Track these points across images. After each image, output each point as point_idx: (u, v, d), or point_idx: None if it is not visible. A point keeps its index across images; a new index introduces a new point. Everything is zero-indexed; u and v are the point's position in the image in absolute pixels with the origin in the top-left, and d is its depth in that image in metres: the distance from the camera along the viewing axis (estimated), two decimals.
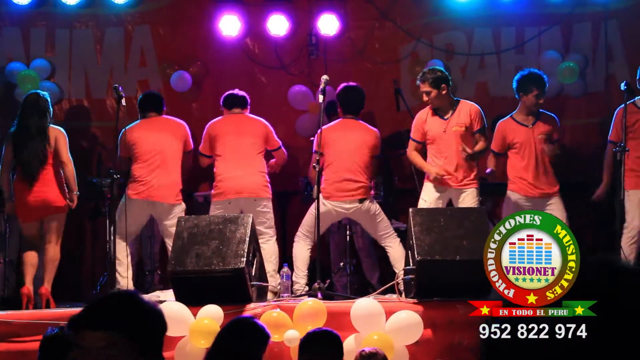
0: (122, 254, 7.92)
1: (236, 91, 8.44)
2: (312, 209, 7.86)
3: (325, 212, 7.75)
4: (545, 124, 7.77)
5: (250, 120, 8.30)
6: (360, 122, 8.15)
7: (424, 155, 7.84)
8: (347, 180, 7.89)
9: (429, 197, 7.66)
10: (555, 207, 7.64)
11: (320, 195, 7.70)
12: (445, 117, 7.67)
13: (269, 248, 7.88)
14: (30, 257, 7.75)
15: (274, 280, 7.65)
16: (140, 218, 8.13)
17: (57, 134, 7.74)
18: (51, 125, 7.77)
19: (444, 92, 7.61)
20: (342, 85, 8.20)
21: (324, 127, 7.70)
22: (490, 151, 7.92)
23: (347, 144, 7.95)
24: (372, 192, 8.14)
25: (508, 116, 7.90)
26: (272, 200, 8.25)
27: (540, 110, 7.82)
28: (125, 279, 7.87)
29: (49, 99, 7.82)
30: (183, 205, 8.18)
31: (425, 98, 7.67)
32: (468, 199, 7.59)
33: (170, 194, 8.09)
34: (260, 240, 7.52)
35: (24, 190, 7.67)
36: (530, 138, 7.72)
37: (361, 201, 7.89)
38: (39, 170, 7.63)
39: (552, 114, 7.92)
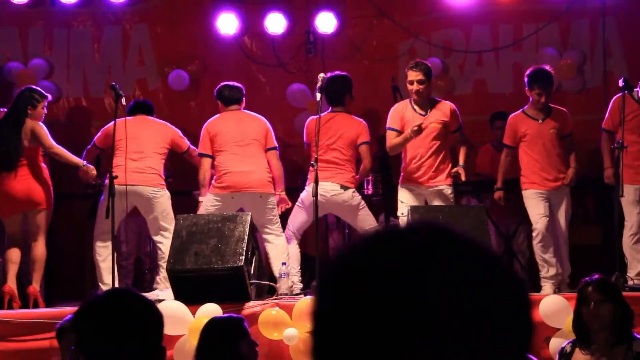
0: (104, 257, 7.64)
1: (231, 83, 8.13)
2: (297, 204, 7.84)
3: (308, 197, 7.53)
4: (557, 119, 7.73)
5: (250, 117, 8.10)
6: (343, 115, 7.96)
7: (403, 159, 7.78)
8: (326, 164, 7.70)
9: (405, 198, 7.61)
10: (565, 201, 7.62)
11: (308, 187, 7.59)
12: (424, 114, 7.63)
13: (280, 245, 7.63)
14: (12, 255, 7.55)
15: (286, 281, 7.27)
16: (122, 205, 7.65)
17: (33, 125, 7.52)
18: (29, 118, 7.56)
19: (431, 85, 7.70)
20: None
21: (309, 120, 7.71)
22: (503, 145, 7.86)
23: (328, 138, 7.80)
24: (355, 185, 7.90)
25: (520, 110, 7.85)
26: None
27: (551, 105, 7.79)
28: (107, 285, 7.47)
29: (34, 95, 7.61)
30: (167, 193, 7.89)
31: (415, 87, 7.53)
32: (441, 196, 7.57)
33: (149, 179, 7.80)
34: (269, 237, 7.52)
35: (3, 183, 7.49)
36: (540, 132, 7.66)
37: (344, 188, 7.74)
38: (17, 162, 7.46)
39: (563, 109, 7.89)
